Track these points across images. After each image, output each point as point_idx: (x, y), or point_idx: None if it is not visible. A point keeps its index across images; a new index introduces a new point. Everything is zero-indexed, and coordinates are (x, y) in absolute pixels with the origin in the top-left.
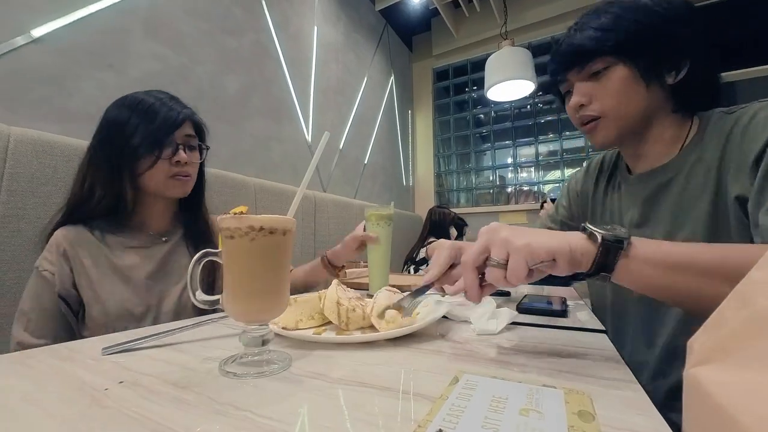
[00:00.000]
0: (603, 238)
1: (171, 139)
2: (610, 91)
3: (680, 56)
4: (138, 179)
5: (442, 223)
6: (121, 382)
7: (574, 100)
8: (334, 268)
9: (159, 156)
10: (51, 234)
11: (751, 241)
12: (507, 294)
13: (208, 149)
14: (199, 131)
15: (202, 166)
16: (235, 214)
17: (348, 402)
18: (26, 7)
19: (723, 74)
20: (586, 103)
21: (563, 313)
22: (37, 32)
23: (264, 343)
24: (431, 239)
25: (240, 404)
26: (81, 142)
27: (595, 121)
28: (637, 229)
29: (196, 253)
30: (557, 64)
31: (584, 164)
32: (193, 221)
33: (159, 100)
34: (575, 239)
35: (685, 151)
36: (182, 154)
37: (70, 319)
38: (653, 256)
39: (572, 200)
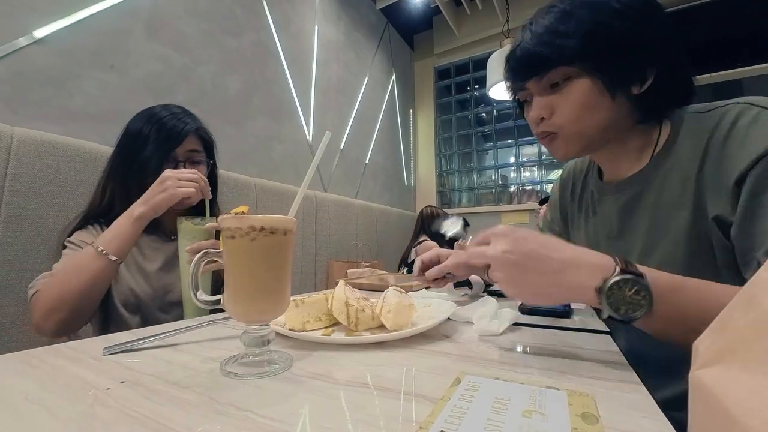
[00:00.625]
0: (611, 318)
1: (172, 156)
2: (571, 105)
3: (648, 64)
4: (146, 185)
5: (429, 223)
6: (123, 382)
7: (532, 113)
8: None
9: (157, 173)
10: (71, 233)
11: (735, 266)
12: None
13: (213, 163)
14: (207, 145)
15: (215, 179)
16: (236, 214)
17: (349, 403)
18: (29, 8)
19: (731, 71)
20: (546, 116)
21: (566, 314)
22: (40, 33)
23: (265, 343)
24: (423, 238)
25: (241, 404)
26: (83, 142)
27: (553, 135)
28: (615, 242)
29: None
30: (513, 71)
31: (562, 170)
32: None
33: (171, 113)
34: (585, 298)
35: (656, 159)
36: (185, 171)
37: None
38: (674, 319)
39: (558, 211)
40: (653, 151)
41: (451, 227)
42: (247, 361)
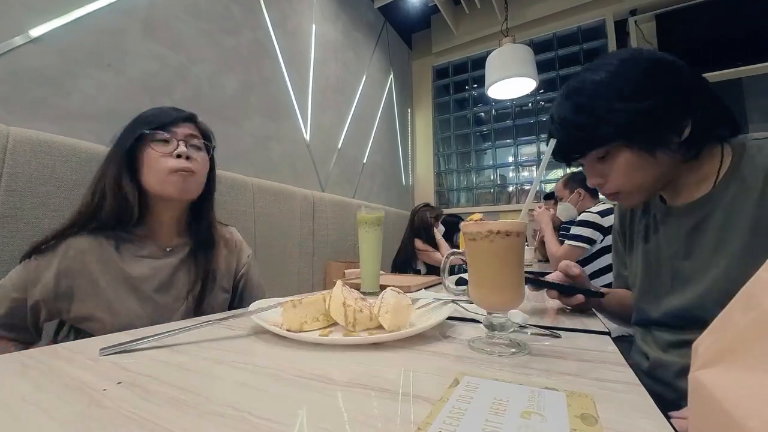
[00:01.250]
0: None
1: (171, 136)
2: (619, 173)
3: (680, 119)
4: (141, 178)
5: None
6: (119, 383)
7: (590, 181)
8: None
9: (150, 143)
10: (54, 243)
11: None
12: None
13: (214, 148)
14: (205, 134)
15: (212, 170)
16: (475, 221)
17: (347, 404)
18: (25, 6)
19: (730, 71)
20: (602, 183)
21: (570, 290)
22: (36, 32)
23: (504, 328)
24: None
25: (238, 405)
26: (79, 142)
27: (616, 194)
28: (680, 262)
29: (198, 269)
30: (560, 154)
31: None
32: (200, 231)
33: (161, 109)
34: None
35: (722, 184)
36: (182, 147)
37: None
38: None
39: (619, 233)
40: (717, 177)
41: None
42: (492, 341)
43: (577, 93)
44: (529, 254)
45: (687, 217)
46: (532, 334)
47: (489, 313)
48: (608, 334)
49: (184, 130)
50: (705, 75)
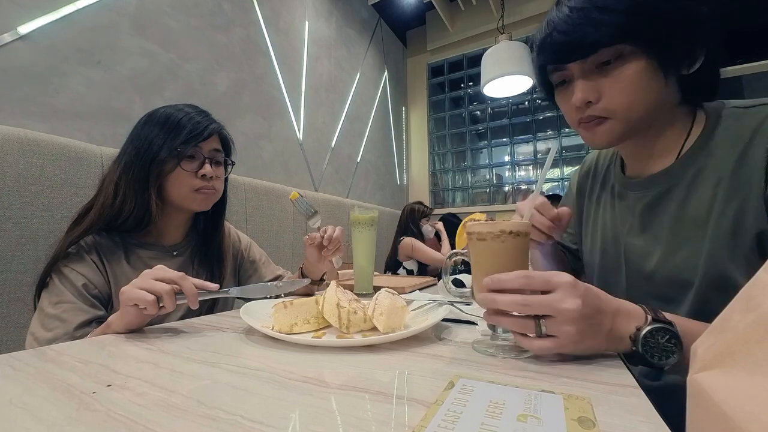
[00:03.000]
0: (644, 364)
1: (197, 152)
2: (623, 87)
3: (699, 43)
4: (164, 191)
5: (412, 220)
6: (109, 386)
7: (578, 96)
8: (311, 283)
9: (179, 162)
10: (74, 242)
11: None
12: None
13: (233, 165)
14: (226, 146)
15: (225, 181)
16: (475, 221)
17: (340, 407)
18: (13, 3)
19: (729, 68)
20: (594, 100)
21: None
22: (24, 29)
23: (506, 330)
24: (401, 238)
25: (229, 408)
26: (69, 140)
27: (599, 120)
28: (634, 239)
29: (201, 271)
30: (552, 53)
31: (582, 164)
32: (208, 237)
33: (187, 114)
34: (622, 346)
35: (686, 156)
36: (208, 168)
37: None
38: None
39: (575, 204)
40: (682, 147)
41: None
42: (496, 343)
43: None
44: None
45: (645, 190)
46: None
47: None
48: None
49: (210, 144)
50: None
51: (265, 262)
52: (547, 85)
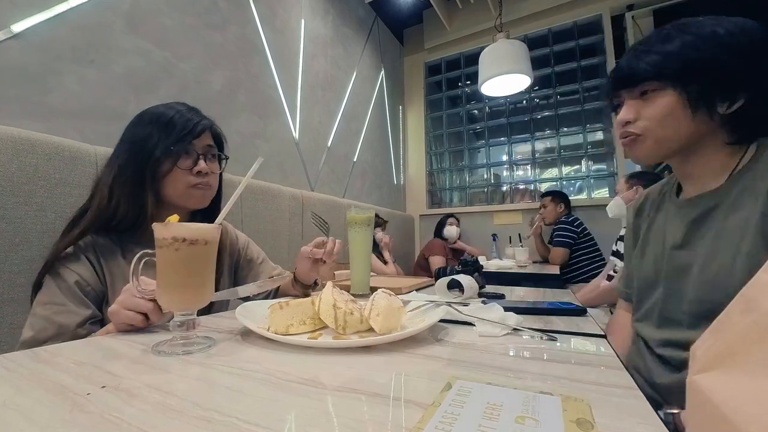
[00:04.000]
0: None
1: (191, 148)
2: (654, 114)
3: (738, 88)
4: (160, 190)
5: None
6: (103, 387)
7: (621, 115)
8: (304, 287)
9: (176, 162)
10: (71, 243)
11: None
12: (501, 296)
13: (227, 159)
14: (218, 141)
15: (220, 177)
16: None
17: (337, 408)
18: (6, 1)
19: None
20: (632, 120)
21: (557, 312)
22: (18, 27)
23: (190, 327)
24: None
25: (225, 410)
26: (63, 140)
27: (635, 137)
28: (677, 251)
29: None
30: (613, 81)
31: (634, 204)
32: None
33: (178, 112)
34: None
35: (734, 177)
36: (202, 164)
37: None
38: None
39: (632, 231)
40: (732, 171)
41: None
42: (175, 342)
43: (682, 28)
44: (523, 255)
45: (694, 206)
46: (526, 337)
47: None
48: (604, 336)
49: (204, 140)
50: None
51: (263, 261)
52: (614, 107)
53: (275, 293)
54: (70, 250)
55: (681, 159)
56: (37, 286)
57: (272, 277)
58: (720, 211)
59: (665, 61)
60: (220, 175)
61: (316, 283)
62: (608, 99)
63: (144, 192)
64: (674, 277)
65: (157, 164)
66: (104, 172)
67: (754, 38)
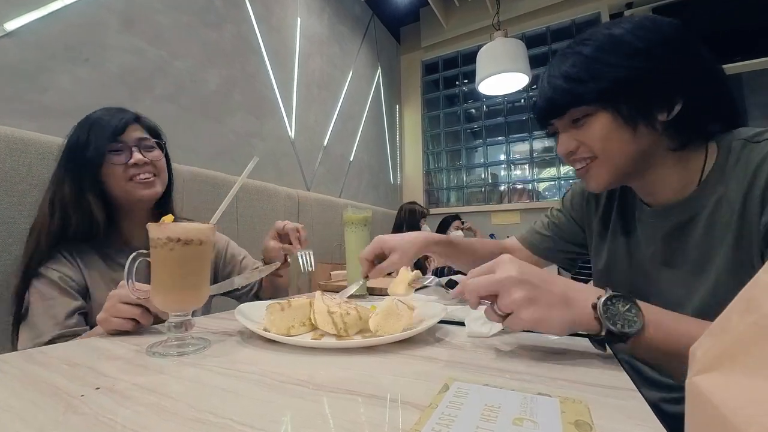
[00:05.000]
0: (608, 331)
1: (122, 144)
2: (594, 140)
3: (672, 94)
4: (105, 193)
5: (411, 221)
6: (97, 388)
7: (559, 148)
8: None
9: (108, 158)
10: (30, 270)
11: None
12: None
13: (165, 143)
14: (152, 131)
15: (169, 165)
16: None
17: (333, 410)
18: None
19: (729, 66)
20: (574, 149)
21: None
22: (11, 26)
23: (182, 328)
24: None
25: (219, 411)
26: (57, 139)
27: (586, 164)
28: (660, 267)
29: None
30: (537, 114)
31: (574, 188)
32: None
33: (108, 112)
34: (585, 317)
35: (705, 186)
36: (137, 155)
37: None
38: (661, 345)
39: (571, 218)
40: (701, 177)
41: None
42: (170, 344)
43: (581, 42)
44: None
45: (667, 218)
46: (524, 337)
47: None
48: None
49: (132, 134)
50: None
51: (245, 257)
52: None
53: (260, 285)
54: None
55: (639, 179)
56: (19, 301)
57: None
58: (698, 223)
59: (579, 85)
60: (169, 163)
61: (286, 259)
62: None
63: (85, 199)
64: (667, 295)
65: (91, 165)
66: (45, 194)
67: (665, 35)
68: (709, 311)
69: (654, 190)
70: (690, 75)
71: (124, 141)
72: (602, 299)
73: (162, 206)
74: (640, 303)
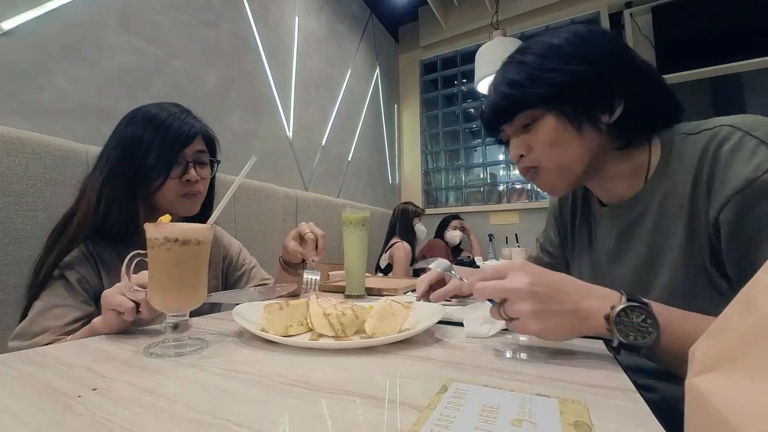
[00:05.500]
0: (620, 344)
1: (181, 157)
2: (542, 143)
3: (612, 95)
4: (151, 199)
5: (405, 221)
6: (94, 389)
7: (511, 153)
8: (292, 267)
9: (168, 175)
10: (64, 253)
11: (725, 275)
12: None
13: (219, 163)
14: (210, 145)
15: (212, 180)
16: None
17: (331, 410)
18: None
19: (728, 65)
20: (525, 153)
21: None
22: (8, 25)
23: (180, 329)
24: (395, 240)
25: (217, 412)
26: (53, 139)
27: (535, 170)
28: (610, 267)
29: None
30: (487, 121)
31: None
32: None
33: (171, 114)
34: (597, 330)
35: (651, 182)
36: (192, 173)
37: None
38: (672, 347)
39: (556, 230)
40: (647, 174)
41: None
42: (167, 344)
43: (522, 52)
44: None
45: (617, 217)
46: (523, 338)
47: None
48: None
49: (193, 147)
50: (703, 69)
51: (255, 266)
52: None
53: None
54: (67, 258)
55: (592, 179)
56: (32, 295)
57: (262, 284)
58: (647, 219)
59: (522, 89)
60: (212, 179)
61: (303, 261)
62: (493, 137)
63: (134, 200)
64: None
65: (149, 171)
66: (92, 175)
67: (598, 41)
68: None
69: (606, 189)
70: (626, 77)
71: (186, 153)
72: (616, 310)
73: (198, 219)
74: (656, 309)
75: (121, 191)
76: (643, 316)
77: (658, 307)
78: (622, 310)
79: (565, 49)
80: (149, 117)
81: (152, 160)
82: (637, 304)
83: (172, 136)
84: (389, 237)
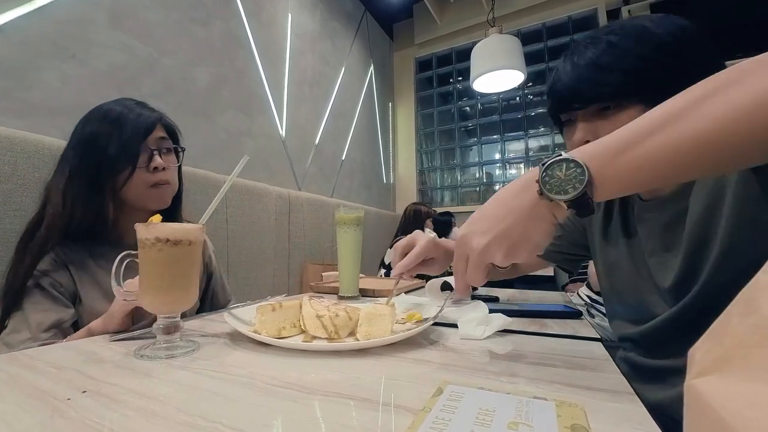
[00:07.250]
0: (570, 203)
1: (145, 146)
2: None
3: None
4: (119, 193)
5: (417, 221)
6: (84, 392)
7: (578, 135)
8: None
9: (135, 165)
10: (36, 262)
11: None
12: (495, 299)
13: (183, 151)
14: (172, 134)
15: (180, 171)
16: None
17: (324, 414)
18: None
19: (730, 62)
20: (592, 139)
21: (554, 315)
22: None
23: (171, 331)
24: (398, 237)
25: (209, 415)
26: (42, 137)
27: None
28: (657, 259)
29: None
30: (557, 100)
31: None
32: None
33: (126, 107)
34: (542, 209)
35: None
36: (158, 160)
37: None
38: (633, 167)
39: (574, 219)
40: None
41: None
42: (158, 346)
43: (613, 33)
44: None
45: (662, 211)
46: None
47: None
48: (599, 340)
49: (154, 135)
50: None
51: (221, 279)
52: (558, 119)
53: None
54: (39, 266)
55: None
56: (8, 305)
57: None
58: (691, 211)
59: (610, 75)
60: (179, 169)
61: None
62: (551, 114)
63: (102, 195)
64: (663, 284)
65: (113, 165)
66: (54, 178)
67: (687, 31)
68: (713, 291)
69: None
70: (705, 68)
71: (148, 141)
72: (538, 177)
73: (169, 212)
74: (574, 152)
75: (84, 187)
76: (565, 165)
77: (588, 147)
78: (543, 172)
79: (657, 34)
80: (104, 113)
81: (114, 153)
82: (555, 157)
83: (131, 127)
84: (397, 236)
